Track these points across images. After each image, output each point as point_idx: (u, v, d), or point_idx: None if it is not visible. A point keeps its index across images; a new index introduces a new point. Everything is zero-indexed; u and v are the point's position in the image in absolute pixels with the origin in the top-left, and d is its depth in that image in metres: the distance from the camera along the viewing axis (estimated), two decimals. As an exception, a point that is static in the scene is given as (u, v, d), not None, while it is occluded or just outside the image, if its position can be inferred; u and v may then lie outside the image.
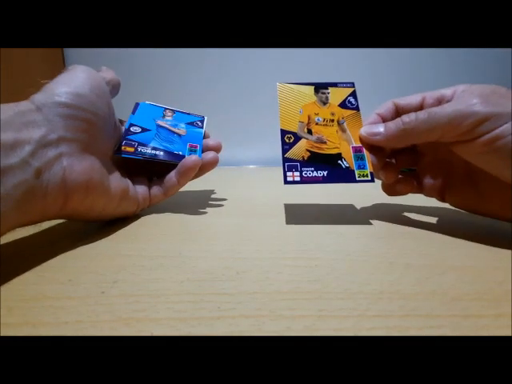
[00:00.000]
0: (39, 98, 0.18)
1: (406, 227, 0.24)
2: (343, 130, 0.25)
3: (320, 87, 0.27)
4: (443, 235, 0.22)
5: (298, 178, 0.23)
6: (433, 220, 0.26)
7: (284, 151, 0.24)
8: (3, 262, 0.17)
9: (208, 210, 0.29)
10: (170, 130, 0.29)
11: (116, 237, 0.21)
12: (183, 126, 0.30)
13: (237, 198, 0.34)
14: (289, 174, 0.23)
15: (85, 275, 0.16)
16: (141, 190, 0.25)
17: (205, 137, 0.31)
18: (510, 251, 0.19)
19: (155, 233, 0.22)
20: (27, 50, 0.52)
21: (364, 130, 0.24)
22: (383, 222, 0.25)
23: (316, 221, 0.25)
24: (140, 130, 0.27)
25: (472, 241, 0.20)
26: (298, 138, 0.25)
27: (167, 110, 0.31)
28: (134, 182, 0.25)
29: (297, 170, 0.24)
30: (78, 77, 0.20)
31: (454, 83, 0.22)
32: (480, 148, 0.18)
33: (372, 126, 0.23)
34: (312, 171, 0.23)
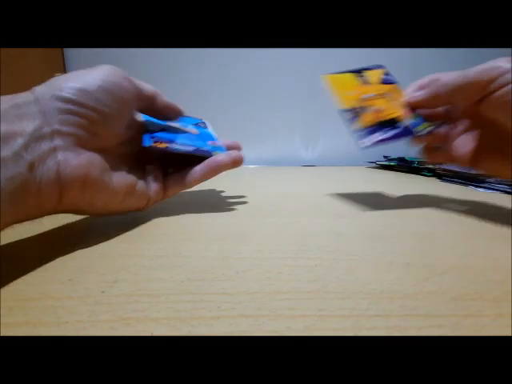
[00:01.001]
0: (40, 89, 0.18)
1: (406, 227, 0.24)
2: (393, 99, 0.28)
3: (358, 72, 0.31)
4: (443, 235, 0.22)
5: (368, 143, 0.26)
6: (433, 220, 0.26)
7: (351, 125, 0.27)
8: (3, 262, 0.17)
9: (208, 209, 0.29)
10: (184, 131, 0.28)
11: (116, 236, 0.21)
12: (192, 126, 0.30)
13: (237, 197, 0.34)
14: (360, 141, 0.26)
15: (85, 275, 0.16)
16: (154, 184, 0.24)
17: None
18: (510, 251, 0.19)
19: (155, 233, 0.22)
20: (27, 50, 0.52)
21: (408, 94, 0.27)
22: (383, 222, 0.25)
23: (316, 220, 0.25)
24: (159, 129, 0.26)
25: (472, 241, 0.20)
26: (357, 114, 0.27)
27: (170, 122, 0.30)
28: (147, 176, 0.24)
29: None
30: (93, 73, 0.20)
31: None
32: (500, 100, 0.20)
33: (414, 91, 0.27)
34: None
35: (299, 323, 0.12)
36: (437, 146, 0.27)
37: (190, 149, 0.26)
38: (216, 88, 0.69)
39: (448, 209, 0.29)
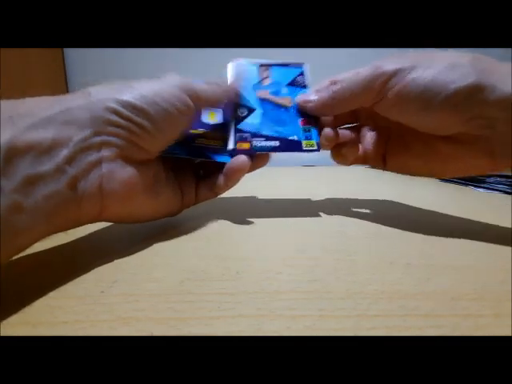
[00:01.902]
0: (95, 94, 0.16)
1: (406, 227, 0.24)
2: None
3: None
4: (443, 235, 0.22)
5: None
6: (433, 220, 0.26)
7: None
8: (3, 262, 0.17)
9: (208, 209, 0.29)
10: (275, 104, 0.25)
11: (116, 236, 0.21)
12: (286, 90, 0.25)
13: (237, 197, 0.34)
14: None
15: (84, 274, 0.16)
16: (186, 188, 0.23)
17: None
18: (510, 251, 0.18)
19: (155, 233, 0.22)
20: (27, 50, 0.52)
21: (298, 98, 0.25)
22: (384, 222, 0.25)
23: (316, 220, 0.25)
24: (246, 111, 0.24)
25: (472, 241, 0.20)
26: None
27: (262, 68, 0.26)
28: (179, 179, 0.23)
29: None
30: (152, 85, 0.19)
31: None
32: (390, 102, 0.20)
33: (306, 95, 0.25)
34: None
35: (299, 323, 0.12)
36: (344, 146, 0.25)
37: (275, 144, 0.23)
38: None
39: (447, 209, 0.29)
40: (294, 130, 0.24)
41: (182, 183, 0.23)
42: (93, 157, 0.15)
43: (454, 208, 0.29)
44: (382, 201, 0.32)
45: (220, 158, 0.24)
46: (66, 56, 0.72)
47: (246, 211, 0.28)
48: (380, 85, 0.20)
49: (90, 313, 0.12)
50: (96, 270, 0.16)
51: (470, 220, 0.25)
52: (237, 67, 0.26)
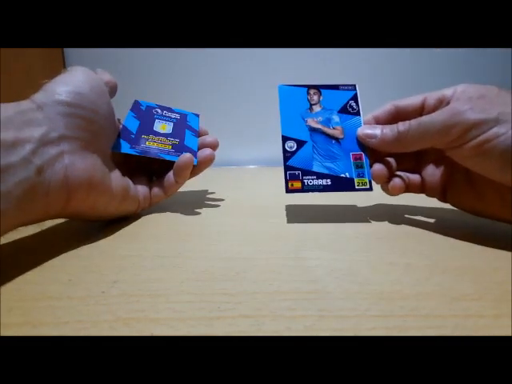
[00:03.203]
0: (40, 96, 0.18)
1: (406, 227, 0.24)
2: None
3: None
4: (443, 235, 0.22)
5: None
6: (433, 220, 0.26)
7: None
8: (3, 262, 0.17)
9: (208, 210, 0.29)
10: (325, 135, 0.23)
11: (116, 237, 0.21)
12: (337, 118, 0.24)
13: (237, 198, 0.34)
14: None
15: (85, 275, 0.16)
16: (142, 189, 0.25)
17: (202, 134, 0.30)
18: (510, 251, 0.19)
19: (155, 233, 0.22)
20: (27, 50, 0.52)
21: (361, 131, 0.24)
22: (383, 222, 0.25)
23: (316, 221, 0.25)
24: (295, 145, 0.23)
25: (472, 241, 0.20)
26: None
27: (311, 92, 0.24)
28: (134, 181, 0.25)
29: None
30: (78, 77, 0.20)
31: (455, 83, 0.22)
32: (469, 152, 0.19)
33: (369, 127, 0.23)
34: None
35: (299, 323, 0.12)
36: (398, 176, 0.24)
37: (326, 183, 0.22)
38: (216, 88, 0.69)
39: (447, 209, 0.29)
40: (346, 166, 0.23)
41: (138, 184, 0.25)
42: (54, 150, 0.17)
43: (453, 208, 0.29)
44: (382, 201, 0.32)
45: (169, 157, 0.26)
46: (66, 56, 0.72)
47: (245, 212, 0.28)
48: (458, 133, 0.19)
49: (91, 313, 0.12)
50: (97, 270, 0.16)
51: (469, 220, 0.25)
52: (284, 92, 0.25)
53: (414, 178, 0.25)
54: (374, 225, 0.24)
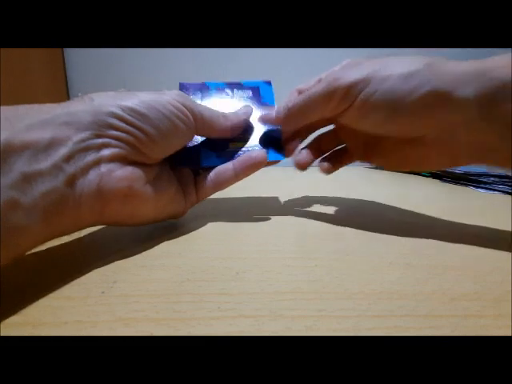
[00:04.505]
0: (99, 100, 0.17)
1: (406, 227, 0.24)
2: None
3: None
4: (443, 235, 0.22)
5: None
6: (433, 220, 0.26)
7: None
8: (3, 262, 0.17)
9: (208, 210, 0.29)
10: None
11: (116, 236, 0.21)
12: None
13: (237, 198, 0.34)
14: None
15: (85, 275, 0.16)
16: (187, 187, 0.23)
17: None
18: (509, 251, 0.19)
19: (155, 233, 0.22)
20: (27, 50, 0.52)
21: (259, 116, 0.26)
22: (383, 222, 0.25)
23: (316, 221, 0.25)
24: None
25: (472, 241, 0.20)
26: None
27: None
28: (180, 179, 0.22)
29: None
30: (149, 94, 0.19)
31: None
32: (355, 115, 0.21)
33: (266, 113, 0.26)
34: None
35: (299, 323, 0.12)
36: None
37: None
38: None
39: (447, 209, 0.29)
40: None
41: (183, 182, 0.23)
42: (91, 156, 0.15)
43: (453, 208, 0.29)
44: (382, 201, 0.32)
45: (272, 157, 0.24)
46: (66, 56, 0.72)
47: (245, 212, 0.28)
48: (338, 98, 0.20)
49: (91, 313, 0.12)
50: (96, 270, 0.16)
51: (470, 220, 0.25)
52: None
53: (342, 151, 0.27)
54: (374, 225, 0.24)
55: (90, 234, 0.22)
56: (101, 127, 0.16)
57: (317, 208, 0.30)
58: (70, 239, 0.21)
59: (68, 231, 0.16)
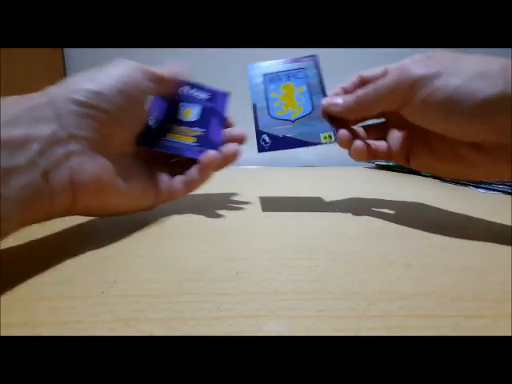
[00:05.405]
0: (55, 91, 0.17)
1: (406, 227, 0.24)
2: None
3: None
4: (443, 235, 0.22)
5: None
6: (433, 220, 0.26)
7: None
8: (3, 262, 0.17)
9: (208, 210, 0.29)
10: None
11: (116, 237, 0.21)
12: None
13: (237, 198, 0.34)
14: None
15: (84, 275, 0.16)
16: (161, 184, 0.24)
17: (228, 125, 0.28)
18: (510, 251, 0.19)
19: (155, 233, 0.22)
20: (27, 50, 0.52)
21: (325, 100, 0.26)
22: (383, 222, 0.25)
23: (316, 221, 0.25)
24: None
25: (472, 241, 0.20)
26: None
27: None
28: (154, 175, 0.23)
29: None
30: (106, 72, 0.19)
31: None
32: (416, 108, 0.20)
33: (332, 97, 0.25)
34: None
35: (299, 323, 0.12)
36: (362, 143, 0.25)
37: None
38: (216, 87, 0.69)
39: (448, 209, 0.29)
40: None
41: (157, 179, 0.24)
42: (61, 150, 0.16)
43: (454, 208, 0.29)
44: (382, 201, 0.32)
45: (190, 154, 0.25)
46: (66, 56, 0.72)
47: (245, 212, 0.28)
48: (404, 90, 0.20)
49: (91, 313, 0.12)
50: (96, 270, 0.16)
51: (470, 220, 0.25)
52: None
53: (381, 144, 0.26)
54: (374, 225, 0.24)
55: (89, 235, 0.22)
56: (64, 118, 0.17)
57: (317, 208, 0.30)
58: (70, 239, 0.21)
59: (41, 220, 0.17)
